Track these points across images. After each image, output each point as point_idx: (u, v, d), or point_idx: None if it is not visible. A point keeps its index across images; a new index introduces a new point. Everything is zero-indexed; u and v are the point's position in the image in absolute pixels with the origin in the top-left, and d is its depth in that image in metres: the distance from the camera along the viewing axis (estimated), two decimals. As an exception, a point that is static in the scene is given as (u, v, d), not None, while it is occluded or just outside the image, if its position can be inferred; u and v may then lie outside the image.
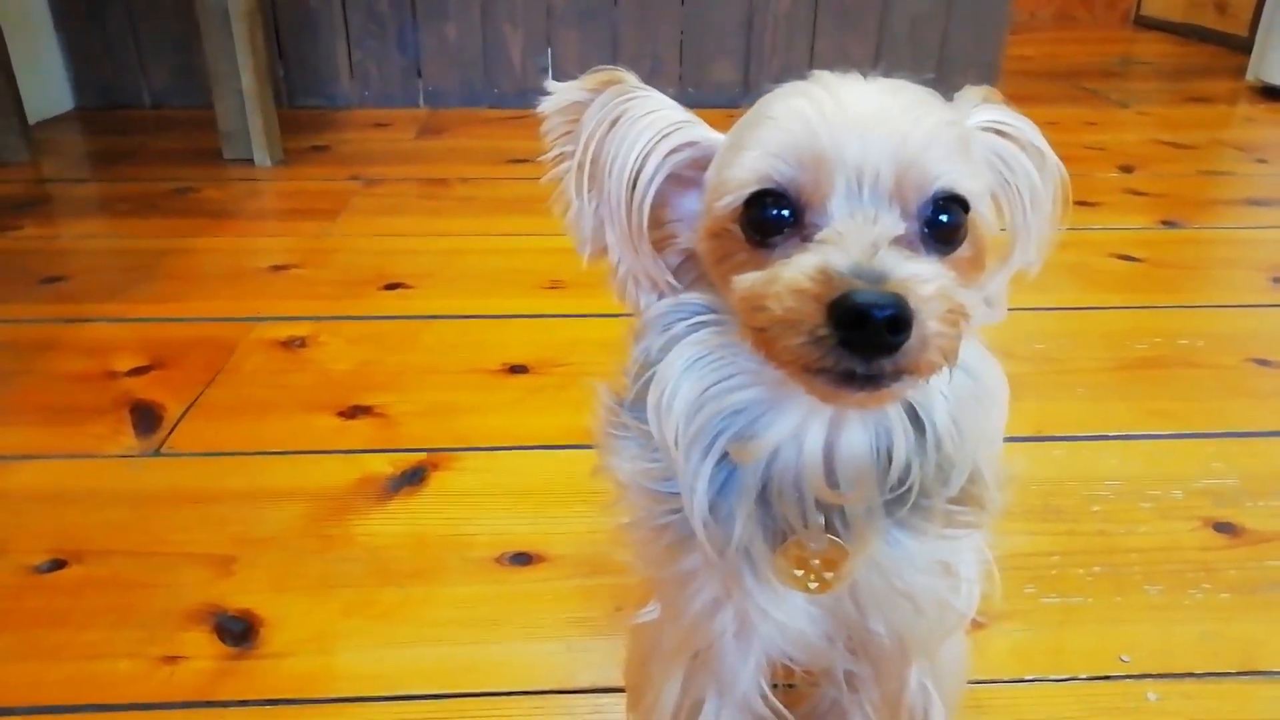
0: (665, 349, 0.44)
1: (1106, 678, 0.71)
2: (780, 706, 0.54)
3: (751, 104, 0.43)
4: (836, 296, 0.35)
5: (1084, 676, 0.71)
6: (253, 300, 1.34)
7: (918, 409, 0.43)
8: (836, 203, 0.38)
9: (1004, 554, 0.52)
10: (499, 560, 0.83)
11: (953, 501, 0.45)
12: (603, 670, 0.71)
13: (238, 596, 0.79)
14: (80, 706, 0.68)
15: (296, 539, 0.86)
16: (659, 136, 0.44)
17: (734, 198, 0.40)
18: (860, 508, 0.44)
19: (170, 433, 1.02)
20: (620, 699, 0.66)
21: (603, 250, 0.46)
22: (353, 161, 1.99)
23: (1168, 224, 1.68)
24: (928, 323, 0.35)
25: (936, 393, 0.43)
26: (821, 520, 0.44)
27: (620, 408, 0.47)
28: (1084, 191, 1.74)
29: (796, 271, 0.36)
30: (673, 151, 0.44)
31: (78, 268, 1.45)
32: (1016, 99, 0.46)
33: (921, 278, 0.36)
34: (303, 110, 2.38)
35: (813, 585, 0.45)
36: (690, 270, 0.46)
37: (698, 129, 0.45)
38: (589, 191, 0.45)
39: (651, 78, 0.43)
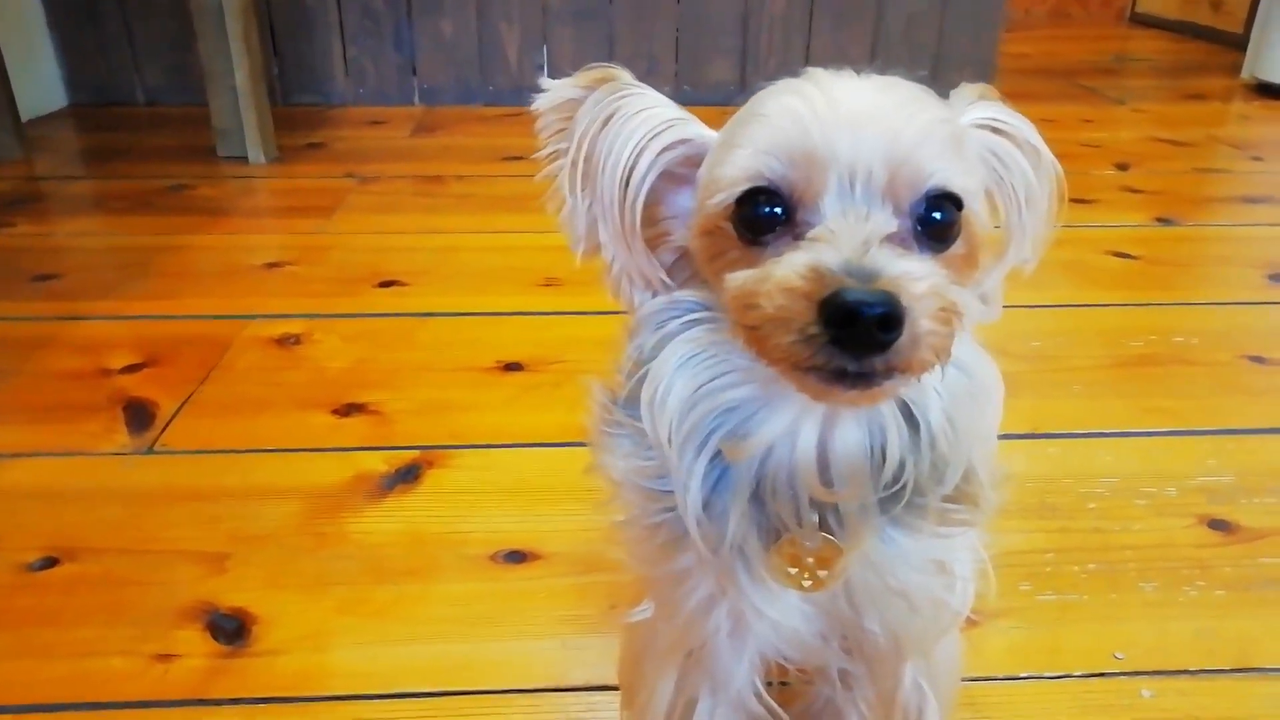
0: (659, 347, 0.44)
1: (1101, 675, 0.71)
2: (774, 705, 0.54)
3: (745, 102, 0.43)
4: (827, 295, 0.35)
5: (1079, 674, 0.71)
6: (247, 298, 1.34)
7: (912, 406, 0.43)
8: (829, 200, 0.38)
9: (999, 551, 0.52)
10: (493, 558, 0.83)
11: (947, 499, 0.45)
12: (597, 668, 0.71)
13: (231, 594, 0.79)
14: (73, 705, 0.68)
15: (290, 537, 0.86)
16: (652, 134, 0.43)
17: (726, 195, 0.40)
18: (854, 506, 0.43)
19: (164, 430, 1.01)
20: (614, 697, 0.66)
21: (596, 248, 0.46)
22: (347, 159, 1.99)
23: (1163, 221, 1.68)
24: (920, 321, 0.35)
25: (931, 390, 0.43)
26: (815, 518, 0.44)
27: (614, 405, 0.47)
28: (1080, 189, 1.74)
29: (788, 269, 0.36)
30: (665, 149, 0.44)
31: (71, 265, 1.44)
32: (1012, 97, 0.46)
33: (913, 275, 0.36)
34: (297, 107, 2.37)
35: (807, 583, 0.45)
36: (684, 268, 0.46)
37: (691, 126, 0.44)
38: (582, 189, 0.45)
39: (647, 76, 0.43)
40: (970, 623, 0.73)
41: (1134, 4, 4.08)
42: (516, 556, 0.83)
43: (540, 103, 0.46)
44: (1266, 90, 2.62)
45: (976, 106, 0.46)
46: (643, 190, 0.44)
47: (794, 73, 0.42)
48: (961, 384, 0.44)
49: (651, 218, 0.45)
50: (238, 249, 1.52)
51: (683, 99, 0.45)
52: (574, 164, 0.45)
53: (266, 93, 1.93)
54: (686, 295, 0.45)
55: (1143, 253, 1.53)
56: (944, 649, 0.55)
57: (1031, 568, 0.82)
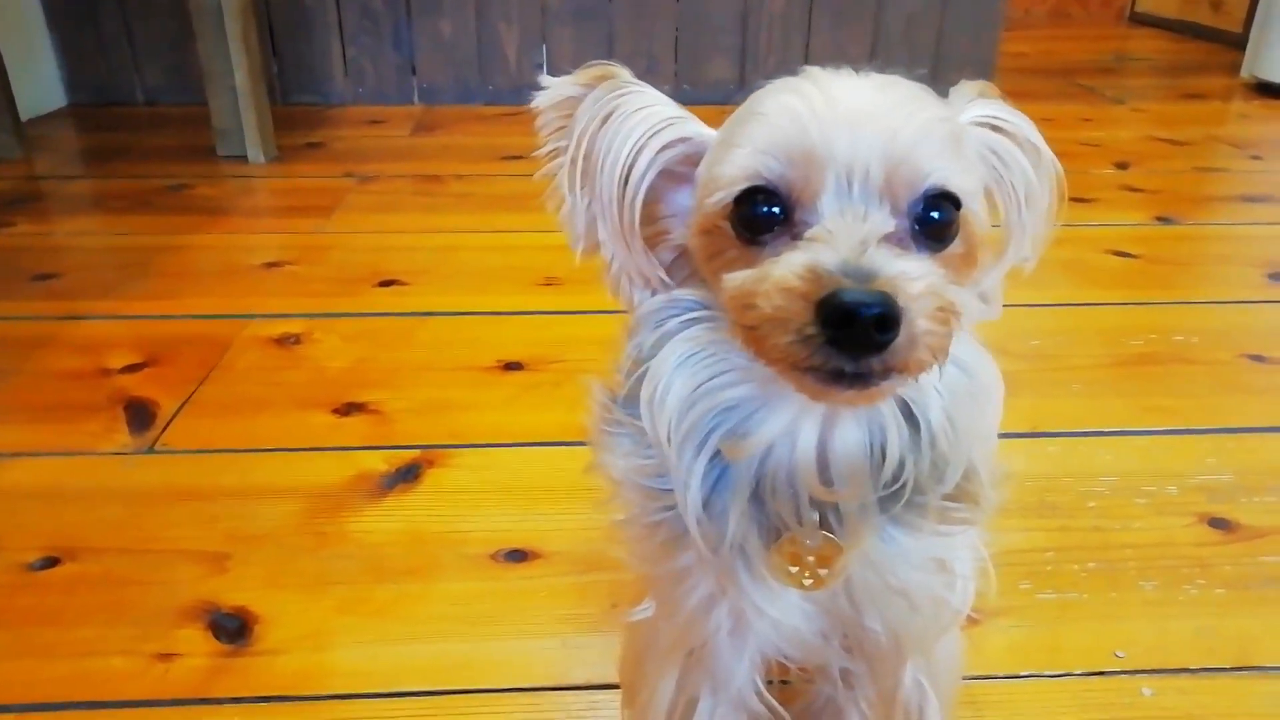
0: (658, 345, 0.44)
1: (1101, 673, 0.71)
2: (775, 704, 0.54)
3: (745, 100, 0.43)
4: (824, 295, 0.35)
5: (1079, 672, 0.71)
6: (247, 297, 1.34)
7: (912, 406, 0.43)
8: (826, 200, 0.38)
9: (999, 550, 0.52)
10: (494, 557, 0.83)
11: (948, 498, 0.45)
12: (597, 667, 0.71)
13: (232, 594, 0.79)
14: (74, 704, 0.68)
15: (291, 536, 0.86)
16: (651, 133, 0.43)
17: (724, 195, 0.40)
18: (854, 504, 0.43)
19: (164, 430, 1.01)
20: (615, 696, 0.66)
21: (596, 246, 0.46)
22: (347, 158, 1.99)
23: (1163, 220, 1.68)
24: (917, 320, 0.35)
25: (931, 389, 0.43)
26: (816, 517, 0.44)
27: (614, 404, 0.47)
28: (1079, 188, 1.74)
29: (785, 270, 0.36)
30: (665, 148, 0.44)
31: (71, 265, 1.44)
32: (1011, 96, 0.46)
33: (910, 275, 0.36)
34: (297, 107, 2.37)
35: (807, 582, 0.45)
36: (683, 266, 0.46)
37: (690, 125, 0.44)
38: (582, 187, 0.45)
39: (647, 75, 0.43)
40: (971, 621, 0.73)
41: (1134, 4, 4.08)
42: (517, 555, 0.83)
43: (540, 101, 0.46)
44: (1266, 90, 2.62)
45: (976, 104, 0.46)
46: (641, 188, 0.44)
47: (793, 72, 0.42)
48: (962, 383, 0.44)
49: (651, 216, 0.45)
50: (237, 249, 1.52)
51: (682, 98, 0.45)
52: (573, 162, 0.44)
53: (266, 92, 1.93)
54: (686, 293, 0.45)
55: (1142, 252, 1.53)
56: (944, 647, 0.55)
57: (1032, 566, 0.82)
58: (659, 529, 0.47)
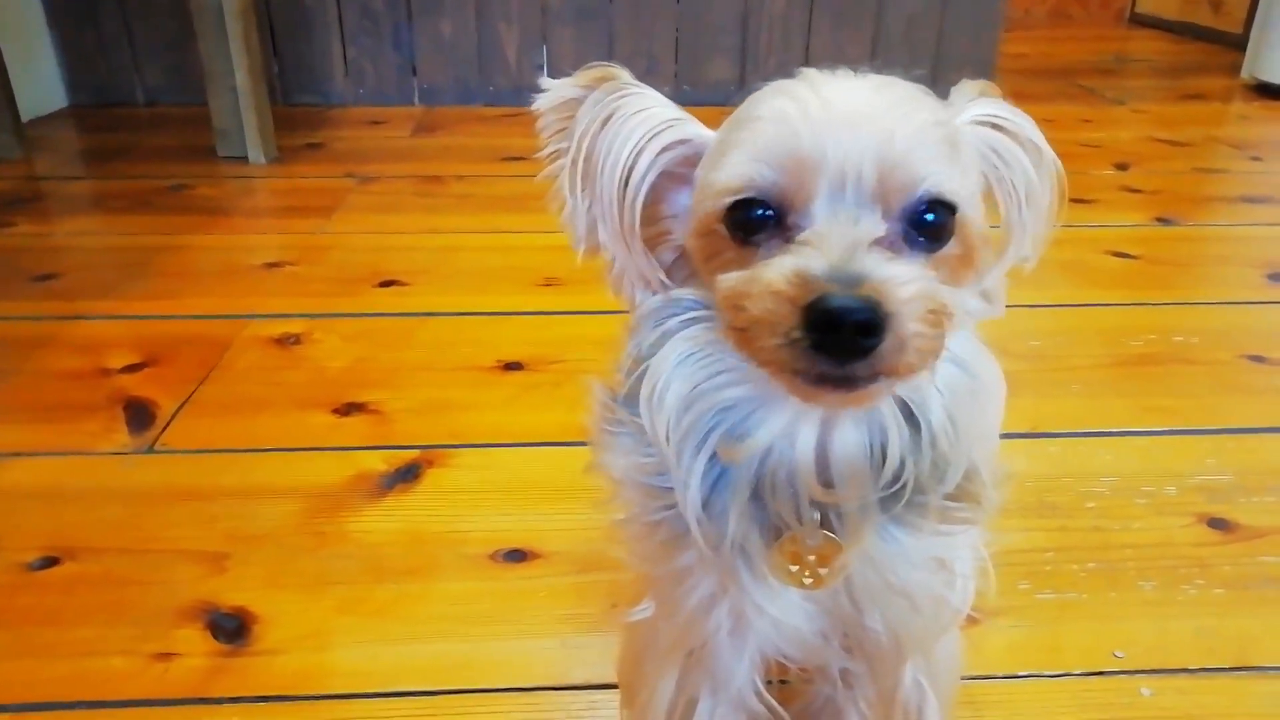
0: (658, 345, 0.44)
1: (1101, 673, 0.71)
2: (775, 704, 0.54)
3: (744, 101, 0.43)
4: (811, 300, 0.35)
5: (1078, 672, 0.71)
6: (247, 297, 1.34)
7: (913, 406, 0.43)
8: (819, 204, 0.38)
9: (999, 550, 0.52)
10: (493, 557, 0.83)
11: (948, 498, 0.44)
12: (597, 667, 0.71)
13: (231, 593, 0.79)
14: (73, 704, 0.68)
15: (290, 536, 0.86)
16: (651, 134, 0.43)
17: (718, 201, 0.40)
18: (855, 504, 0.43)
19: (164, 430, 1.01)
20: (615, 696, 0.66)
21: (597, 247, 0.46)
22: (347, 159, 1.99)
23: (1163, 221, 1.68)
24: (906, 324, 0.35)
25: (932, 389, 0.43)
26: (816, 516, 0.44)
27: (615, 403, 0.47)
28: (1079, 189, 1.73)
29: (774, 273, 0.36)
30: (664, 149, 0.44)
31: (71, 265, 1.44)
32: (1012, 97, 0.46)
33: (900, 279, 0.36)
34: (297, 108, 2.37)
35: (808, 581, 0.45)
36: (684, 266, 0.46)
37: (689, 126, 0.44)
38: (583, 189, 0.45)
39: (647, 76, 0.43)
40: (970, 621, 0.73)
41: (1134, 4, 4.08)
42: (516, 555, 0.83)
43: (540, 102, 0.46)
44: (1266, 90, 2.62)
45: (977, 103, 0.46)
46: (642, 190, 0.44)
47: (793, 72, 0.42)
48: (963, 383, 0.44)
49: (651, 217, 0.45)
50: (237, 249, 1.52)
51: (682, 99, 0.45)
52: (574, 164, 0.45)
53: (266, 93, 1.93)
54: (686, 294, 0.45)
55: (1142, 252, 1.53)
56: (944, 647, 0.55)
57: (1031, 566, 0.82)
58: (659, 528, 0.47)
